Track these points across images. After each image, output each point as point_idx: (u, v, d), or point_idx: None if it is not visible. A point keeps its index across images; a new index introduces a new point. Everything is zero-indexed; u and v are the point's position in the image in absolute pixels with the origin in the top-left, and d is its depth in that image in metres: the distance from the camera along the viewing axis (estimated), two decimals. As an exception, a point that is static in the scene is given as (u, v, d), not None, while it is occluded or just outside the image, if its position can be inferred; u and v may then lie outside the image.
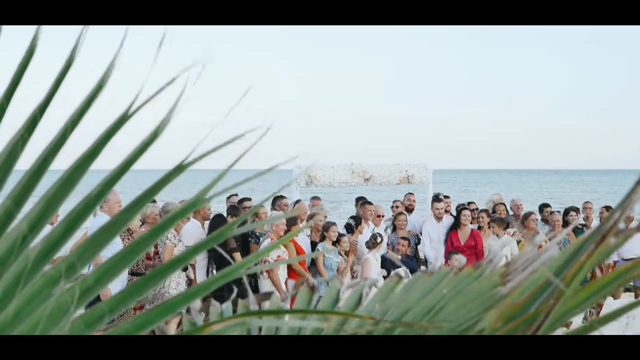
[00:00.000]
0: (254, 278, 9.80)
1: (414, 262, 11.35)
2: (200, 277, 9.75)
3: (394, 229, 11.63)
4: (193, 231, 9.76)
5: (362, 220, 11.10)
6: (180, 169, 1.24)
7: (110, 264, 1.23)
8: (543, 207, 12.53)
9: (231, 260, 9.82)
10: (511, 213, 12.42)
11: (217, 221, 9.60)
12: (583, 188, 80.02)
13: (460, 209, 11.59)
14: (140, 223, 9.76)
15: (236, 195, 11.69)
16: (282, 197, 11.54)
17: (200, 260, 9.78)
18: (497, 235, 11.13)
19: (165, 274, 1.26)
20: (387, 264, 10.81)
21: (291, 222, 9.88)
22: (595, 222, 12.40)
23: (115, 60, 1.23)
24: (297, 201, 11.56)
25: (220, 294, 1.66)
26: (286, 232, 9.82)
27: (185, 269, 9.52)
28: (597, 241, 1.03)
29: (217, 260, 9.62)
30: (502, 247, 10.97)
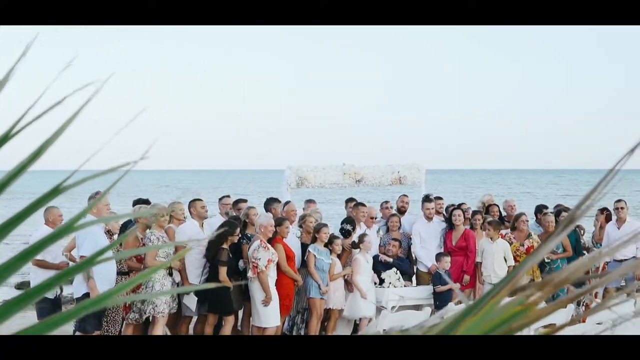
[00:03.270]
0: (244, 280, 9.75)
1: (406, 263, 11.33)
2: (194, 277, 9.67)
3: (387, 230, 11.60)
4: (190, 231, 9.66)
5: (356, 223, 11.08)
6: (57, 192, 1.17)
7: None
8: (542, 208, 12.33)
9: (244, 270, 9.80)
10: (504, 214, 12.37)
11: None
12: (580, 188, 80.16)
13: (451, 209, 11.56)
14: (119, 226, 9.57)
15: (228, 196, 11.56)
16: (276, 199, 11.42)
17: (197, 261, 9.69)
18: (490, 238, 11.07)
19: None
20: (378, 266, 10.82)
21: (278, 223, 9.86)
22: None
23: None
24: (287, 202, 11.50)
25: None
26: (274, 233, 9.79)
27: (170, 274, 9.44)
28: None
29: (212, 264, 9.56)
30: (494, 250, 10.96)
